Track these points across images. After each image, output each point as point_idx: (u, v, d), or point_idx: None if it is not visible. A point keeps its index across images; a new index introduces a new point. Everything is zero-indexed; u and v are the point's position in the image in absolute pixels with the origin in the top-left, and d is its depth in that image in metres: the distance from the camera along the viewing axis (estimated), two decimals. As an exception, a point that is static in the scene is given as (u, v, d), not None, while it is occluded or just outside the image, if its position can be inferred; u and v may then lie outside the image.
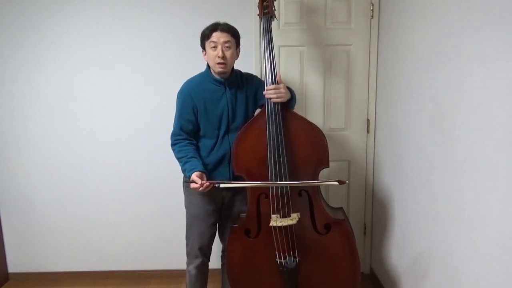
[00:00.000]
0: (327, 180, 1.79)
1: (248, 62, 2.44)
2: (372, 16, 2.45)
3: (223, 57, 1.85)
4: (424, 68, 1.81)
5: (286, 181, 1.85)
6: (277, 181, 1.85)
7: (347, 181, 1.83)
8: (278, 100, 1.83)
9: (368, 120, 2.58)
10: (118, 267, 2.81)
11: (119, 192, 2.71)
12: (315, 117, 2.56)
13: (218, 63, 1.86)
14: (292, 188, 1.88)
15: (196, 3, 2.48)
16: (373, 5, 2.44)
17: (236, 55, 1.94)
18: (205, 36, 1.89)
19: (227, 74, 1.95)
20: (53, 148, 2.65)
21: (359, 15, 2.46)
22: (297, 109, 2.56)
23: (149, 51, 2.54)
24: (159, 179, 2.69)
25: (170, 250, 2.76)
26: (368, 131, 2.60)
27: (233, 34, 1.88)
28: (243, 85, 2.01)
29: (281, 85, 1.85)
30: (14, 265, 2.82)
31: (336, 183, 1.72)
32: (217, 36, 1.85)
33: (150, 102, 2.60)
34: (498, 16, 1.25)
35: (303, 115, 2.56)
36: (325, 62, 2.53)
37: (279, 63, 2.52)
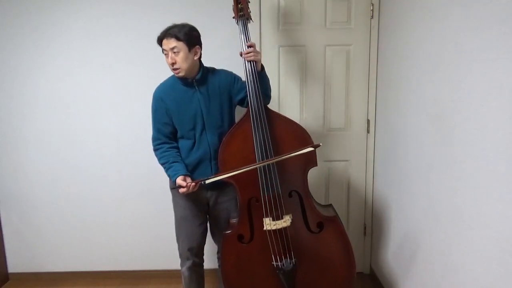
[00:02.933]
0: (302, 148, 1.79)
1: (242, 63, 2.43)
2: (372, 16, 2.45)
3: (173, 63, 1.85)
4: (424, 68, 1.81)
5: (277, 184, 1.85)
6: (268, 185, 1.84)
7: (321, 144, 1.82)
8: (256, 59, 1.86)
9: (368, 120, 2.58)
10: (118, 267, 2.81)
11: (119, 192, 2.71)
12: (315, 117, 2.56)
13: (173, 70, 1.90)
14: (283, 189, 1.88)
15: (196, 3, 2.47)
16: (373, 5, 2.44)
17: (191, 56, 1.87)
18: (158, 45, 1.90)
19: (193, 74, 1.93)
20: (53, 148, 2.65)
21: (359, 15, 2.46)
22: (298, 109, 2.57)
23: (148, 51, 2.53)
24: (159, 179, 2.66)
25: (170, 250, 2.74)
26: (368, 131, 2.60)
27: (179, 37, 1.82)
28: (215, 82, 1.99)
29: (254, 44, 1.87)
30: (14, 265, 2.82)
31: (311, 148, 1.76)
32: (165, 44, 1.86)
33: (149, 102, 2.59)
34: (498, 16, 1.25)
35: (303, 116, 2.57)
36: (325, 62, 2.53)
37: (279, 63, 2.52)
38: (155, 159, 2.62)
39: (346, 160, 2.64)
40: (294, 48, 2.51)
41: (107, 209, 2.73)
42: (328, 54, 2.52)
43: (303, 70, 2.54)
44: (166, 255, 2.77)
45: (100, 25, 2.51)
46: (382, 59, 2.43)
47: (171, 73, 2.52)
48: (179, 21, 2.46)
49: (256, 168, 1.84)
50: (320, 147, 1.81)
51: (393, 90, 2.25)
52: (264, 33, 2.48)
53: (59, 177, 2.69)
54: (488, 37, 1.30)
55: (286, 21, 2.47)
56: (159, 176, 2.65)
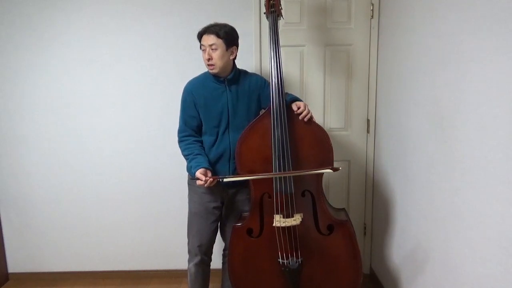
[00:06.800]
0: (321, 168, 1.85)
1: (248, 62, 2.44)
2: (372, 16, 2.45)
3: (209, 59, 1.91)
4: (424, 68, 1.81)
5: (290, 183, 1.86)
6: (281, 183, 1.86)
7: (340, 168, 1.86)
8: (311, 114, 1.91)
9: (368, 120, 2.58)
10: (118, 267, 2.81)
11: (119, 192, 2.71)
12: (315, 117, 2.54)
13: (208, 65, 1.94)
14: (296, 188, 1.88)
15: (196, 3, 2.48)
16: (373, 5, 2.44)
17: (227, 55, 1.93)
18: (198, 39, 1.96)
19: (226, 73, 1.97)
20: (53, 148, 2.65)
21: (359, 15, 2.46)
22: (297, 109, 2.56)
23: (149, 51, 2.54)
24: (159, 179, 2.69)
25: (170, 250, 2.76)
26: (368, 131, 2.60)
27: (219, 35, 1.88)
28: (245, 84, 2.03)
29: (304, 105, 1.90)
30: (14, 265, 2.82)
31: (330, 170, 1.79)
32: (204, 39, 1.91)
33: (150, 102, 2.60)
34: (498, 15, 1.25)
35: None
36: (325, 62, 2.53)
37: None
38: (155, 159, 2.65)
39: (346, 160, 2.64)
40: (294, 48, 2.51)
41: (107, 209, 2.73)
42: (328, 54, 2.52)
43: (303, 70, 2.54)
44: (166, 255, 2.78)
45: (100, 24, 2.51)
46: (382, 59, 2.44)
47: (170, 74, 2.55)
48: (179, 21, 2.50)
49: (272, 164, 1.85)
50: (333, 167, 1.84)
51: (393, 90, 2.25)
52: (264, 32, 2.48)
53: (59, 177, 2.69)
54: (488, 37, 1.30)
55: (286, 21, 2.47)
56: (160, 176, 2.68)
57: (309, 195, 1.93)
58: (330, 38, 2.49)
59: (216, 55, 1.89)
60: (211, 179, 1.85)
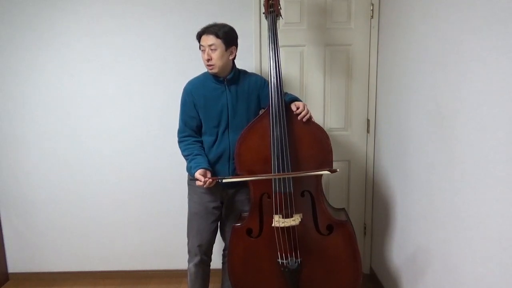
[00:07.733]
0: (318, 170, 1.85)
1: (248, 62, 2.44)
2: (372, 16, 2.45)
3: (209, 59, 1.91)
4: (424, 68, 1.81)
5: (290, 183, 1.86)
6: (281, 183, 1.86)
7: (338, 170, 1.86)
8: (310, 114, 1.90)
9: (368, 120, 2.58)
10: (118, 267, 2.81)
11: (119, 192, 2.71)
12: (315, 117, 2.54)
13: (207, 65, 1.94)
14: (295, 188, 1.88)
15: (196, 3, 2.48)
16: (373, 5, 2.44)
17: (227, 55, 1.93)
18: (197, 40, 1.96)
19: (225, 73, 1.97)
20: (53, 148, 2.65)
21: (359, 15, 2.46)
22: (297, 109, 2.55)
23: (149, 51, 2.54)
24: (159, 179, 2.69)
25: (170, 250, 2.76)
26: (368, 131, 2.60)
27: (218, 35, 1.88)
28: (245, 84, 2.03)
29: (303, 105, 1.89)
30: (14, 265, 2.82)
31: (327, 172, 1.80)
32: (203, 40, 1.92)
33: (150, 102, 2.60)
34: (498, 15, 1.25)
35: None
36: (325, 62, 2.53)
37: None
38: (156, 159, 2.65)
39: (346, 160, 2.64)
40: (294, 48, 2.51)
41: (107, 209, 2.73)
42: (328, 54, 2.52)
43: (303, 70, 2.54)
44: (166, 255, 2.78)
45: (100, 24, 2.51)
46: (382, 59, 2.43)
47: (171, 74, 2.55)
48: (179, 20, 2.50)
49: (271, 165, 1.85)
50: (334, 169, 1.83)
51: (393, 90, 2.25)
52: (264, 32, 2.48)
53: (59, 177, 2.69)
54: (488, 37, 1.30)
55: (286, 21, 2.47)
56: (160, 176, 2.68)
57: (309, 195, 1.93)
58: (330, 38, 2.49)
59: (215, 55, 1.89)
60: (210, 179, 1.86)
